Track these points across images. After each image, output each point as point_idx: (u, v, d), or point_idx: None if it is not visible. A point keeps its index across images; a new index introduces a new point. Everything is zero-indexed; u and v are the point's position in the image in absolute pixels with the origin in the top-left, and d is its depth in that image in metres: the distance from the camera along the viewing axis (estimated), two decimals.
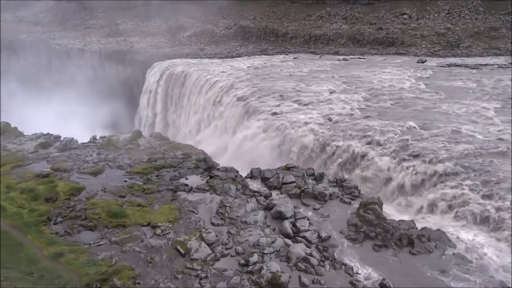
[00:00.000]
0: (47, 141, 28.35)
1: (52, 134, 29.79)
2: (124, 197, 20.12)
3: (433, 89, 37.43)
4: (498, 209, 17.94)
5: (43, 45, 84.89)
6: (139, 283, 13.96)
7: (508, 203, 18.12)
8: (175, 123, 53.12)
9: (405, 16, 68.06)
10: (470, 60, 50.97)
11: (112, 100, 68.08)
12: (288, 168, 23.26)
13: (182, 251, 15.50)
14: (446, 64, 48.94)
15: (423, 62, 50.55)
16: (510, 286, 14.39)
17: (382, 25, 66.12)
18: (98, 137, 29.53)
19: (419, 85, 39.24)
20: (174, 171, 23.41)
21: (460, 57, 53.75)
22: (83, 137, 29.79)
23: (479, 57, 52.71)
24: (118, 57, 70.06)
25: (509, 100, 32.71)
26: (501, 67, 46.03)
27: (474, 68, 45.81)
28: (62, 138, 29.08)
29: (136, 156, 25.67)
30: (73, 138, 28.74)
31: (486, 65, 47.53)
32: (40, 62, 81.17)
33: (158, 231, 16.92)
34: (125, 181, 22.12)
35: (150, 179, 22.34)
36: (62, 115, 59.33)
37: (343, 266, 15.31)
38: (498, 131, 26.16)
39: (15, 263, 14.63)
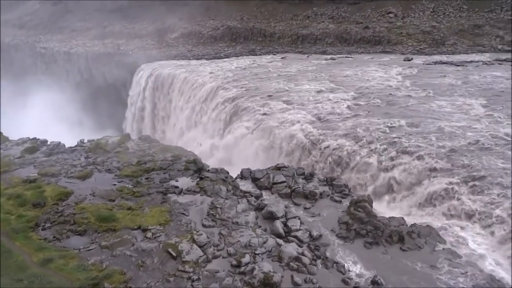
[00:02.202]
0: (33, 145, 27.91)
1: (38, 139, 29.32)
2: (113, 200, 19.90)
3: (420, 86, 37.83)
4: (486, 203, 18.18)
5: (28, 48, 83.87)
6: (130, 287, 13.85)
7: (495, 197, 18.40)
8: (164, 125, 52.87)
9: (390, 15, 68.74)
10: (455, 57, 51.66)
11: (100, 103, 67.53)
12: (278, 168, 23.28)
13: (174, 254, 15.40)
14: (432, 62, 49.52)
15: (409, 60, 51.10)
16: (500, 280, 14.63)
17: (368, 24, 66.65)
18: (85, 141, 29.19)
19: (406, 83, 39.64)
20: (164, 173, 23.24)
21: (445, 54, 54.47)
22: (70, 141, 29.44)
23: (464, 54, 53.49)
24: (105, 59, 69.53)
25: (495, 96, 33.22)
26: (486, 63, 46.74)
27: (459, 65, 46.43)
28: (49, 143, 28.65)
29: (125, 159, 25.43)
30: (60, 142, 28.34)
31: (471, 62, 48.21)
32: (26, 65, 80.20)
33: (149, 234, 16.78)
34: (114, 184, 21.88)
35: (140, 182, 22.15)
36: (48, 118, 58.64)
37: (335, 265, 15.37)
38: (485, 127, 26.54)
39: (4, 270, 14.40)
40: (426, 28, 62.41)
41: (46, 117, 59.44)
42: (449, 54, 54.50)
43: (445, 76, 41.50)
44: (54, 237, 16.91)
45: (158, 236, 16.66)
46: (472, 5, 65.47)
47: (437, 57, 52.65)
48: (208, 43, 72.53)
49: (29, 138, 29.57)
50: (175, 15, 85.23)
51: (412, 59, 51.78)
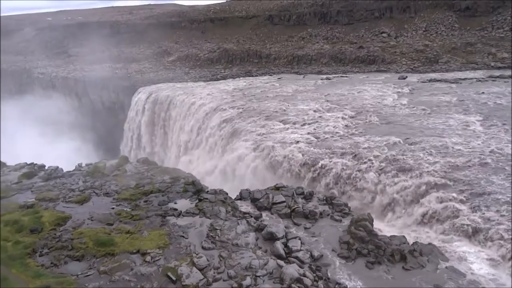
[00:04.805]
0: (31, 170, 27.79)
1: (36, 164, 29.22)
2: (112, 224, 19.71)
3: (416, 104, 38.15)
4: (487, 220, 18.10)
5: (26, 74, 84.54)
6: None
7: (495, 214, 18.33)
8: (162, 147, 52.86)
9: (384, 35, 69.94)
10: (449, 75, 52.26)
11: (98, 126, 67.64)
12: (277, 188, 23.19)
13: (173, 278, 15.16)
14: (427, 80, 50.05)
15: (404, 79, 51.68)
16: None
17: (362, 44, 67.69)
18: (84, 165, 29.12)
19: (402, 101, 39.98)
20: (162, 195, 23.11)
21: (439, 72, 55.10)
22: (68, 165, 29.34)
23: (458, 72, 54.08)
24: (103, 83, 70.03)
25: (491, 112, 33.48)
26: (480, 80, 47.28)
27: (453, 83, 46.96)
28: (46, 167, 28.55)
29: (123, 182, 25.32)
30: (58, 167, 28.24)
31: (465, 79, 48.76)
32: (23, 90, 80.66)
33: (148, 258, 16.56)
34: (113, 208, 21.71)
35: (138, 205, 21.99)
36: (47, 143, 58.55)
37: (337, 285, 15.14)
38: (482, 143, 26.66)
39: None
40: (419, 47, 63.41)
41: (44, 141, 59.36)
42: (443, 71, 55.17)
43: (440, 93, 41.91)
44: (51, 263, 16.65)
45: (157, 260, 16.43)
46: (463, 23, 66.76)
47: (431, 75, 53.26)
48: (205, 65, 73.34)
49: (26, 163, 29.45)
50: (171, 38, 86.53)
51: (406, 77, 52.38)
